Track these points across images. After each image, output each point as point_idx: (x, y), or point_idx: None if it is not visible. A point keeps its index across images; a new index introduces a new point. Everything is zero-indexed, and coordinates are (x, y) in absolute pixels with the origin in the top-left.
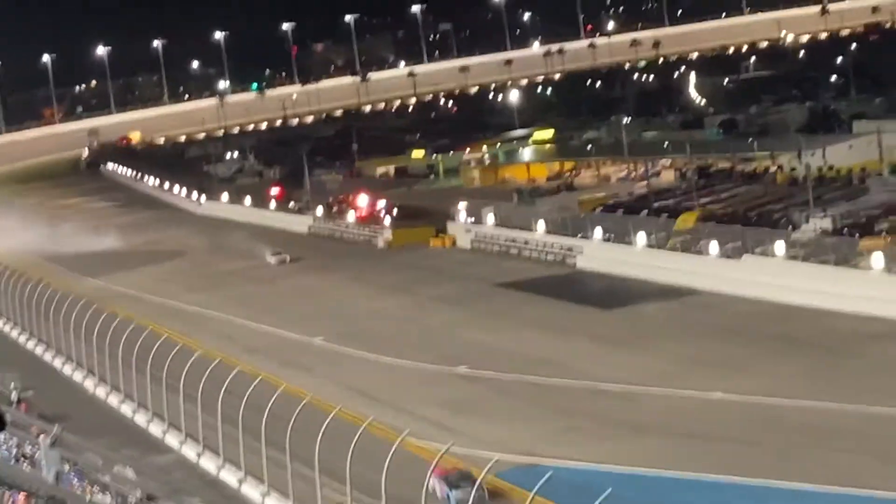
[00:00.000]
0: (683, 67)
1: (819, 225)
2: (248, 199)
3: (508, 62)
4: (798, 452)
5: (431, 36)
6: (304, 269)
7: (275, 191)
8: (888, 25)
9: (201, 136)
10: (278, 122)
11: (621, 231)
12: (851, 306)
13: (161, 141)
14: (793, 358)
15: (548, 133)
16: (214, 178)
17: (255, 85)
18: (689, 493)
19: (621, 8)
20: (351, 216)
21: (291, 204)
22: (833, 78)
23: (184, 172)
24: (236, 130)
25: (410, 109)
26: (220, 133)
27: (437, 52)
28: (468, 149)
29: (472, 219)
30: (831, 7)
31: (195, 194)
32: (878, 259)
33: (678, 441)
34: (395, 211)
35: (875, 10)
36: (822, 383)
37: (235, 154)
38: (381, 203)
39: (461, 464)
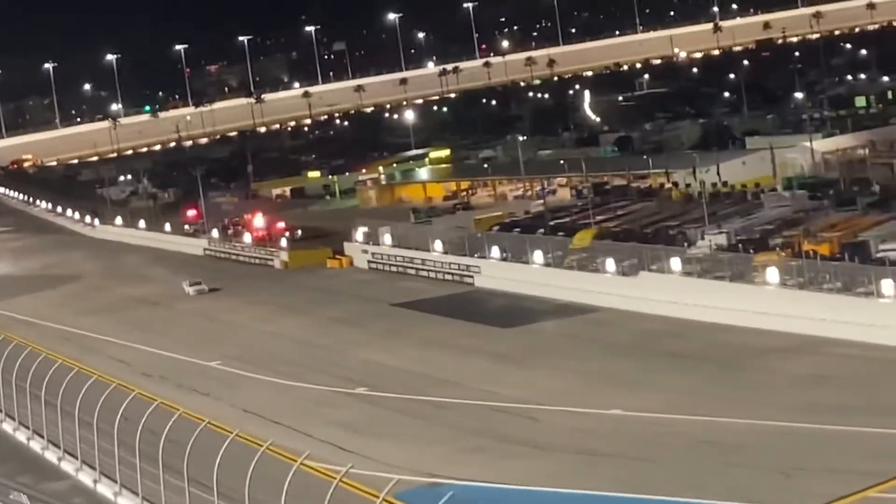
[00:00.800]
0: (578, 85)
1: (714, 241)
2: (142, 223)
3: (404, 81)
4: (693, 468)
5: (326, 55)
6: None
7: (191, 213)
8: (779, 42)
9: (94, 158)
10: (172, 145)
11: (518, 250)
12: (746, 321)
13: (53, 164)
14: (689, 373)
15: (444, 152)
16: (108, 201)
17: (147, 107)
18: None
19: (515, 27)
20: (247, 238)
21: (186, 227)
22: (726, 94)
23: (77, 196)
24: (130, 153)
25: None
26: (113, 156)
27: (331, 72)
28: (364, 169)
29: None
30: (723, 24)
31: (88, 218)
32: (772, 274)
33: (578, 458)
34: (299, 232)
35: (766, 26)
36: (716, 398)
37: (129, 177)
38: (281, 224)
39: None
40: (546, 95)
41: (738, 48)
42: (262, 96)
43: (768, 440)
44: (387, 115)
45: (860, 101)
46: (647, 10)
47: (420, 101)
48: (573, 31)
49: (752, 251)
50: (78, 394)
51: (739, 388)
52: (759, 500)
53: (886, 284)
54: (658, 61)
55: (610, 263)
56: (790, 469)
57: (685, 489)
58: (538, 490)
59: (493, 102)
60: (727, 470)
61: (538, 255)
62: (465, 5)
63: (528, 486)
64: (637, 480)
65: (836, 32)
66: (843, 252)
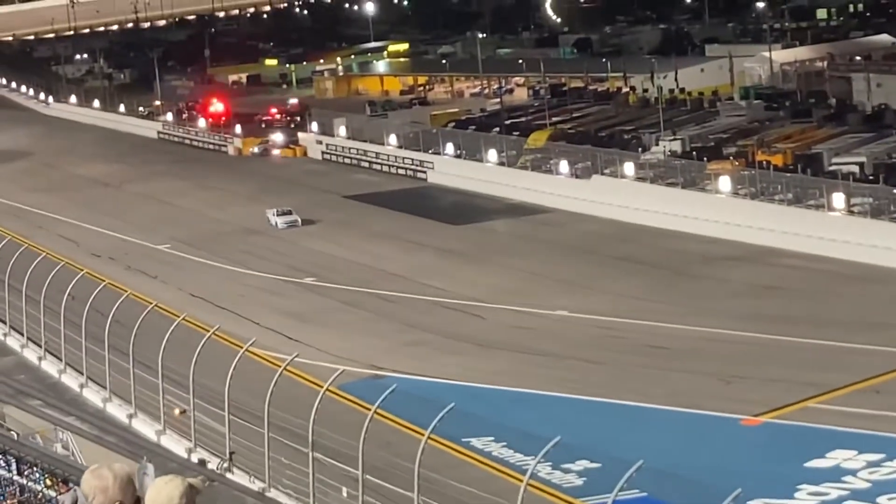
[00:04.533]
0: None
1: (668, 147)
2: (96, 102)
3: None
4: (636, 371)
5: None
6: (152, 174)
7: (217, 107)
8: None
9: (50, 35)
10: (130, 25)
11: (473, 147)
12: (697, 228)
13: (9, 39)
14: (636, 278)
15: (402, 46)
16: (63, 79)
17: None
18: (530, 408)
19: None
20: (202, 122)
21: (140, 108)
22: (687, 0)
23: (32, 72)
24: (87, 31)
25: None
26: (70, 33)
27: None
28: (322, 59)
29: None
30: None
31: (43, 95)
32: (724, 182)
33: (522, 357)
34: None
35: None
36: (662, 304)
37: (85, 56)
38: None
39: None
40: None
41: None
42: None
43: (711, 347)
44: (346, 5)
45: (821, 14)
46: None
47: None
48: None
49: (705, 159)
50: (26, 271)
51: (686, 294)
52: (698, 405)
53: (837, 198)
54: None
55: (563, 165)
56: (731, 376)
57: (626, 392)
58: (481, 386)
59: None
60: (669, 375)
61: (492, 154)
62: None
63: (472, 382)
64: (579, 382)
65: None
66: (797, 164)
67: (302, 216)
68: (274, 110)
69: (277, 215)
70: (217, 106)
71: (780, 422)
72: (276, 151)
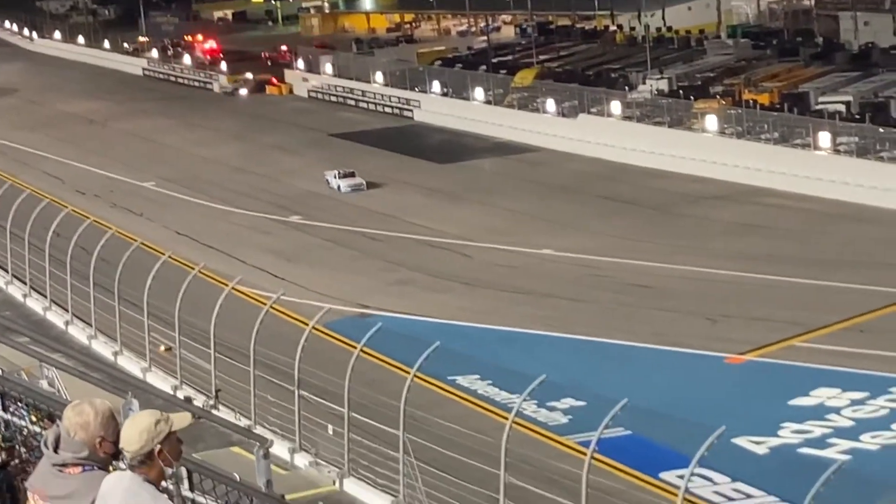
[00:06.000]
0: None
1: (655, 86)
2: (81, 38)
3: None
4: (621, 311)
5: None
6: (138, 112)
7: (209, 44)
8: None
9: None
10: None
11: (459, 86)
12: (683, 168)
13: None
14: (622, 217)
15: None
16: (47, 14)
17: None
18: (516, 347)
19: None
20: (187, 59)
21: (125, 45)
22: None
23: (15, 7)
24: None
25: None
26: None
27: None
28: None
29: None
30: None
31: (27, 31)
32: (711, 121)
33: (507, 296)
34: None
35: None
36: (648, 243)
37: None
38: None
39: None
40: None
41: None
42: None
43: (697, 286)
44: None
45: None
46: None
47: None
48: None
49: (692, 98)
50: (10, 207)
51: (671, 233)
52: (682, 343)
53: (823, 137)
54: None
55: (550, 104)
56: (717, 315)
57: (612, 331)
58: (466, 325)
59: None
60: (654, 314)
61: (479, 92)
62: None
63: (457, 321)
64: (564, 320)
65: None
66: (783, 103)
67: (287, 153)
68: (284, 48)
69: (340, 177)
70: (210, 43)
71: (765, 360)
72: (243, 91)
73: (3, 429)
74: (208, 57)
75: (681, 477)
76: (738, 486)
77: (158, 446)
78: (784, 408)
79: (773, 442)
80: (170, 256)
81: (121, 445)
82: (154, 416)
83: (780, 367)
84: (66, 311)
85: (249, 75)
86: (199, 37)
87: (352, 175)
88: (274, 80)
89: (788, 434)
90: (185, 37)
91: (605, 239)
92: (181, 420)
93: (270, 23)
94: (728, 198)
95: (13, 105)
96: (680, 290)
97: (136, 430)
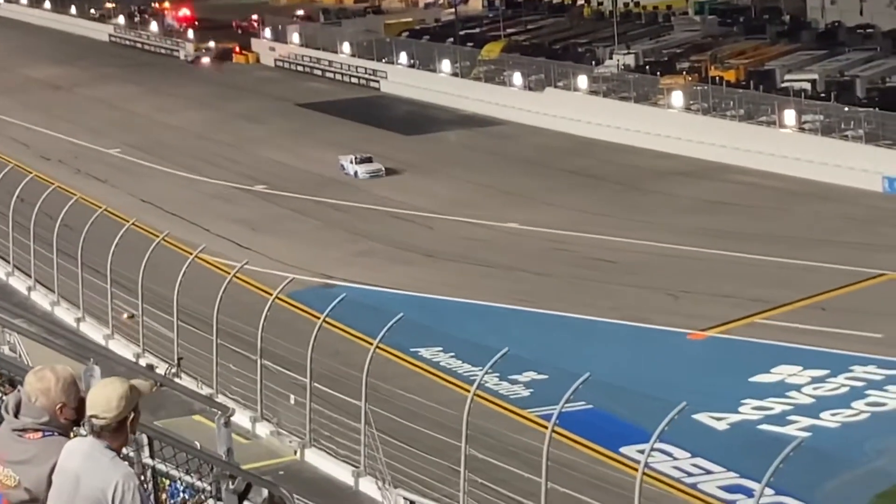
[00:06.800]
0: None
1: (622, 61)
2: (47, 3)
3: None
4: (584, 285)
5: None
6: (104, 78)
7: (183, 11)
8: None
9: None
10: None
11: (426, 58)
12: (649, 143)
13: None
14: (587, 192)
15: None
16: None
17: None
18: (479, 320)
19: None
20: (154, 26)
21: (92, 11)
22: None
23: None
24: None
25: None
26: None
27: None
28: None
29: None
30: None
31: None
32: (677, 98)
33: (471, 268)
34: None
35: None
36: (612, 218)
37: None
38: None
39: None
40: None
41: None
42: None
43: (660, 262)
44: None
45: None
46: None
47: None
48: None
49: (658, 74)
50: None
51: (636, 209)
52: (645, 318)
53: (789, 115)
54: None
55: (517, 77)
56: (679, 291)
57: (575, 305)
58: (430, 297)
59: None
60: (617, 289)
61: (446, 65)
62: None
63: (421, 293)
64: (528, 294)
65: None
66: (749, 80)
67: (253, 122)
68: (255, 17)
69: (356, 163)
70: (183, 10)
71: (727, 336)
72: (206, 60)
73: None
74: (182, 24)
75: (641, 451)
76: (698, 461)
77: (132, 414)
78: (745, 384)
79: (734, 418)
80: (134, 224)
81: (94, 412)
82: (126, 384)
83: (741, 344)
84: (29, 276)
85: (212, 44)
86: (167, 3)
87: (369, 160)
88: (237, 49)
89: (749, 411)
90: (154, 3)
91: (570, 213)
92: (143, 388)
93: None
94: (693, 174)
95: None
96: (644, 266)
97: (115, 397)
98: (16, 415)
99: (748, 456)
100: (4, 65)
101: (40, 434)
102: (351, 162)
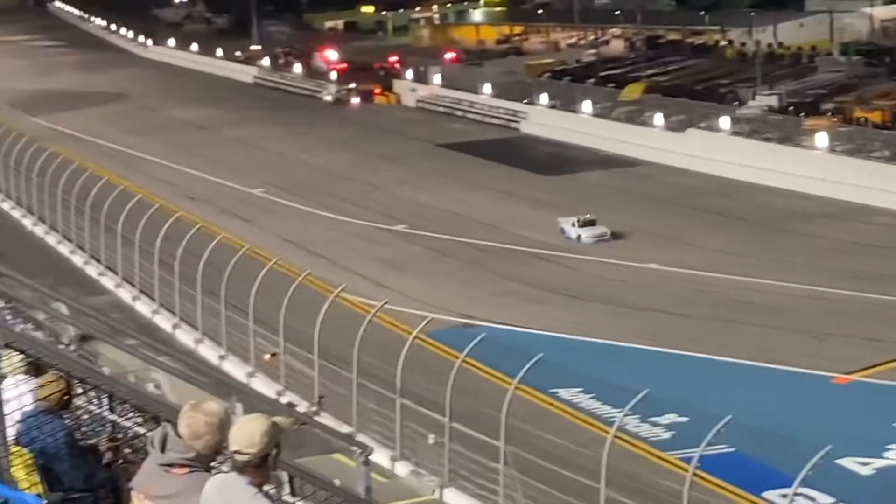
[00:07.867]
0: None
1: (765, 102)
2: (194, 46)
3: None
4: (726, 327)
5: None
6: (248, 119)
7: (329, 53)
8: None
9: None
10: None
11: (567, 98)
12: (791, 184)
13: None
14: (729, 232)
15: None
16: (162, 22)
17: None
18: (619, 361)
19: None
20: (297, 68)
21: (238, 53)
22: None
23: (131, 15)
24: None
25: None
26: None
27: None
28: (418, 7)
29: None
30: None
31: (142, 38)
32: (821, 139)
33: (611, 309)
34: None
35: None
36: (754, 259)
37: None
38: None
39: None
40: None
41: None
42: None
43: (804, 304)
44: None
45: None
46: None
47: None
48: None
49: (802, 115)
50: (121, 211)
51: (778, 250)
52: (788, 361)
53: None
54: None
55: (658, 118)
56: (823, 334)
57: (716, 347)
58: (569, 338)
59: None
60: (759, 331)
61: (587, 105)
62: None
63: (560, 333)
64: (668, 335)
65: None
66: (895, 121)
67: (395, 163)
68: (394, 58)
69: (579, 226)
70: (331, 53)
71: (871, 381)
72: (355, 100)
73: (109, 430)
74: (331, 67)
75: (784, 496)
76: None
77: (275, 450)
78: (890, 429)
79: (879, 463)
80: (276, 263)
81: (238, 447)
82: (268, 420)
83: (887, 388)
84: (174, 315)
85: (354, 85)
86: (318, 45)
87: (592, 224)
88: (379, 90)
89: (894, 456)
90: (295, 45)
91: (711, 254)
92: (284, 425)
93: (380, 33)
94: (837, 216)
95: (125, 110)
96: (786, 308)
97: (258, 433)
98: (162, 449)
99: (893, 501)
100: (152, 105)
101: (187, 469)
102: (573, 225)
